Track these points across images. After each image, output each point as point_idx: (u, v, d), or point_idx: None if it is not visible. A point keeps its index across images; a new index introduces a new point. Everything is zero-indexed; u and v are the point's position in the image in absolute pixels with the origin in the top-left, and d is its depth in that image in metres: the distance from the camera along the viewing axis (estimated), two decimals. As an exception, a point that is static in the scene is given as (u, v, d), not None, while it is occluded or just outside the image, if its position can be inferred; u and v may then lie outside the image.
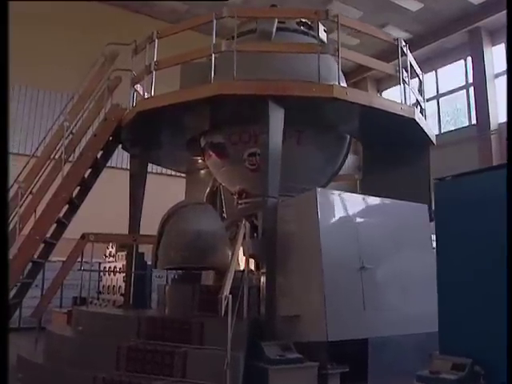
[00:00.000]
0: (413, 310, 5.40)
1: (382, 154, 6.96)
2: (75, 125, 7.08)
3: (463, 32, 15.76)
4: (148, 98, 6.15)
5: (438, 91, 16.92)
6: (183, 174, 10.24)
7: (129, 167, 8.02)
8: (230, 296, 4.04)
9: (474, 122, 15.82)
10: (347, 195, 5.52)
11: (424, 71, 7.05)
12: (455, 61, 16.79)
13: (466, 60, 16.45)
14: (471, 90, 15.98)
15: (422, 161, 7.01)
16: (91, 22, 14.12)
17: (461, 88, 16.57)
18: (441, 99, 16.96)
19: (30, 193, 6.70)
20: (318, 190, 5.21)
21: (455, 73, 16.86)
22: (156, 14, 15.09)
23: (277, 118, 5.55)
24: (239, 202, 7.00)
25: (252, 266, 5.96)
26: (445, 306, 4.09)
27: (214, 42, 5.73)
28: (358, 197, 5.55)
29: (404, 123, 6.30)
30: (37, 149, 7.48)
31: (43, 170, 6.86)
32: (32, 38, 13.43)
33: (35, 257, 6.80)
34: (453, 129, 16.40)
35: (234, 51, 5.59)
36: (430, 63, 16.05)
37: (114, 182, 11.21)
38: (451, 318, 3.94)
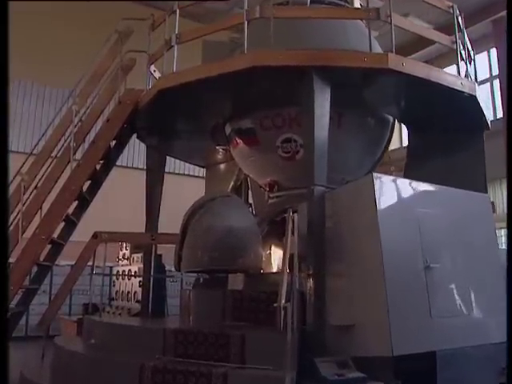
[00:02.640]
0: (481, 317, 4.67)
1: (432, 138, 6.14)
2: (85, 111, 6.32)
3: (487, 22, 15.03)
4: (171, 74, 5.33)
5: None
6: (196, 174, 9.52)
7: (140, 166, 7.27)
8: (289, 305, 3.24)
9: (498, 115, 15.07)
10: (407, 182, 4.72)
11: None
12: (478, 53, 16.02)
13: (489, 52, 15.73)
14: (495, 82, 15.25)
15: (477, 146, 6.18)
16: (103, 21, 13.48)
17: (485, 81, 15.82)
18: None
19: (35, 187, 5.93)
20: (375, 175, 4.41)
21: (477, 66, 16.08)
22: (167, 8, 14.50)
23: (323, 95, 4.75)
24: (270, 195, 6.23)
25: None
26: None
27: (246, 7, 4.95)
28: (420, 184, 4.74)
29: (462, 101, 5.49)
30: (37, 143, 6.69)
31: (49, 161, 6.09)
32: (44, 35, 12.93)
33: (41, 259, 6.03)
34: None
35: (271, 18, 4.80)
36: (451, 57, 15.32)
37: (126, 183, 10.52)
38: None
